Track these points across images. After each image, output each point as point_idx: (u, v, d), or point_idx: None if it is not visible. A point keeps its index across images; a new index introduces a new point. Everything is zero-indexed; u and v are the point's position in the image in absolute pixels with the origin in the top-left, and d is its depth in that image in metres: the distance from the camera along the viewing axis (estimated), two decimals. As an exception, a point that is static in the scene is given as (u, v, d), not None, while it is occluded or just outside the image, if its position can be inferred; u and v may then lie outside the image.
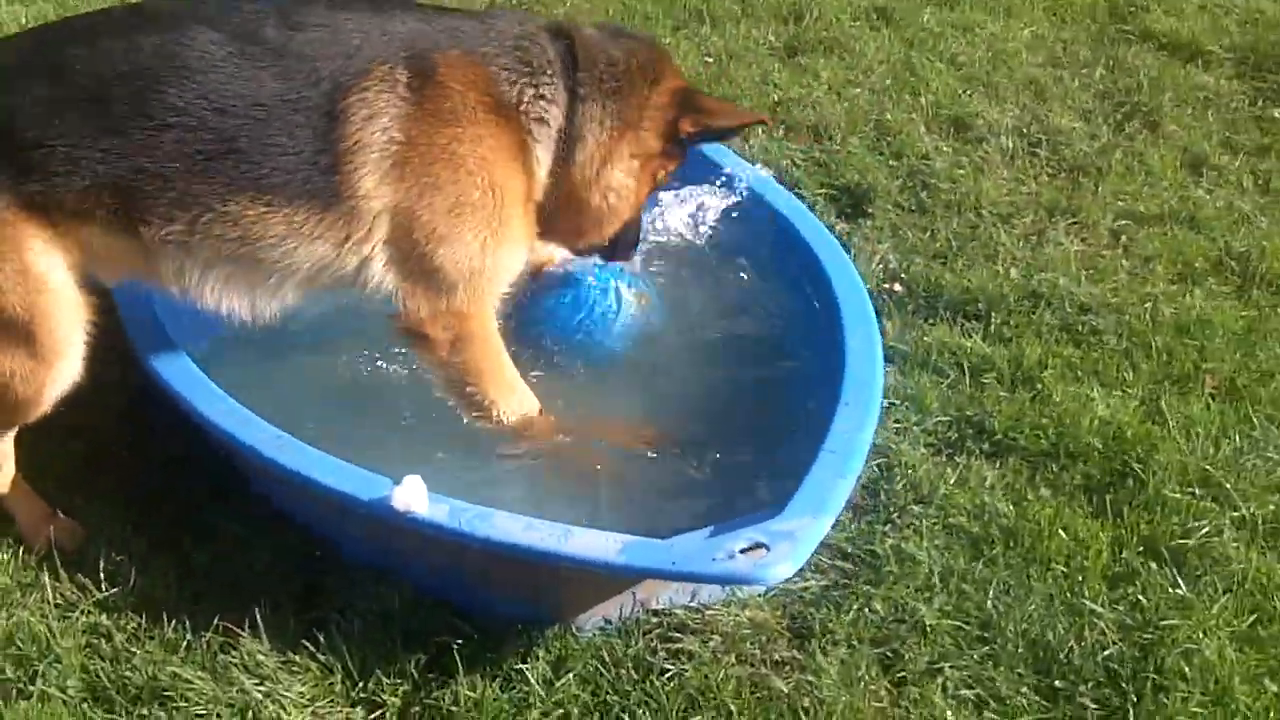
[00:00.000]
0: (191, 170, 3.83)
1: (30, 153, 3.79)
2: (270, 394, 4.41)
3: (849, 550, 4.26)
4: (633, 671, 3.85)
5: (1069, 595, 4.10)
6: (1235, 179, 6.57)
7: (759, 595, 4.08)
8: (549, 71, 4.06)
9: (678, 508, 4.22)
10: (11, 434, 4.26)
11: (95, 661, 3.88)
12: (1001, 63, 7.62)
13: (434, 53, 3.96)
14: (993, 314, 5.37)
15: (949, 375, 5.05)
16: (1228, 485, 4.54)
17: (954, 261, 5.73)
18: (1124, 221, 6.10)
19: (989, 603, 4.05)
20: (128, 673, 3.84)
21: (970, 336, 5.24)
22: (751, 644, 3.95)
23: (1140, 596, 4.09)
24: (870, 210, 6.12)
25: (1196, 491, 4.52)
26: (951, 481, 4.52)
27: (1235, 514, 4.44)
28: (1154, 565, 4.21)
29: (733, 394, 4.74)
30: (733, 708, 3.76)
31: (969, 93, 7.24)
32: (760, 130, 6.71)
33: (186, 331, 4.49)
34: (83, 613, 4.02)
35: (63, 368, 4.04)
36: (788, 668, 3.91)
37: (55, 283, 3.95)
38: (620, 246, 4.55)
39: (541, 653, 3.89)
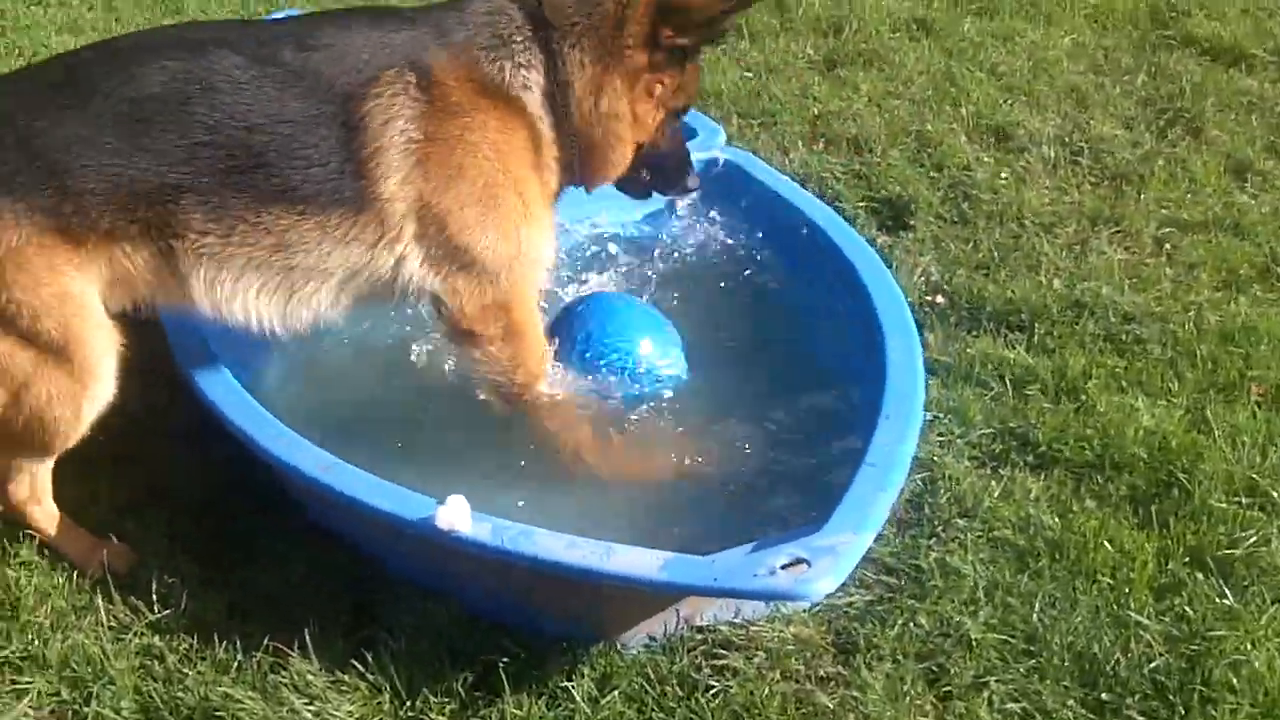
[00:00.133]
0: (225, 184, 4.00)
1: (64, 177, 3.90)
2: (314, 417, 4.50)
3: (893, 564, 4.26)
4: (677, 688, 3.86)
5: (1115, 607, 4.08)
6: (1280, 184, 6.53)
7: (803, 611, 4.08)
8: (519, 39, 4.22)
9: (713, 525, 4.22)
10: (49, 465, 4.30)
11: (148, 683, 3.91)
12: (1043, 71, 7.61)
13: (427, 54, 4.16)
14: (1036, 325, 5.36)
15: (992, 387, 5.04)
16: (1275, 494, 4.51)
17: (996, 272, 5.72)
18: (1168, 229, 6.09)
19: (1034, 616, 4.03)
20: (180, 693, 3.86)
21: (1014, 348, 5.23)
22: (796, 660, 3.94)
23: (1187, 608, 4.06)
24: (912, 222, 6.12)
25: (1243, 501, 4.49)
26: (996, 494, 4.51)
27: (1283, 522, 4.42)
28: (1201, 576, 4.18)
29: (772, 408, 4.74)
30: (778, 724, 3.77)
31: (1010, 102, 7.25)
32: (800, 143, 6.73)
33: (234, 358, 4.57)
34: (136, 635, 4.05)
35: (98, 390, 4.11)
36: (833, 683, 3.90)
37: (90, 305, 4.05)
38: (667, 176, 4.65)
39: (587, 670, 3.90)
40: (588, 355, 4.67)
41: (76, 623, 4.09)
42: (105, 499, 4.55)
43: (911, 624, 4.04)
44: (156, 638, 4.04)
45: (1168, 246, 5.97)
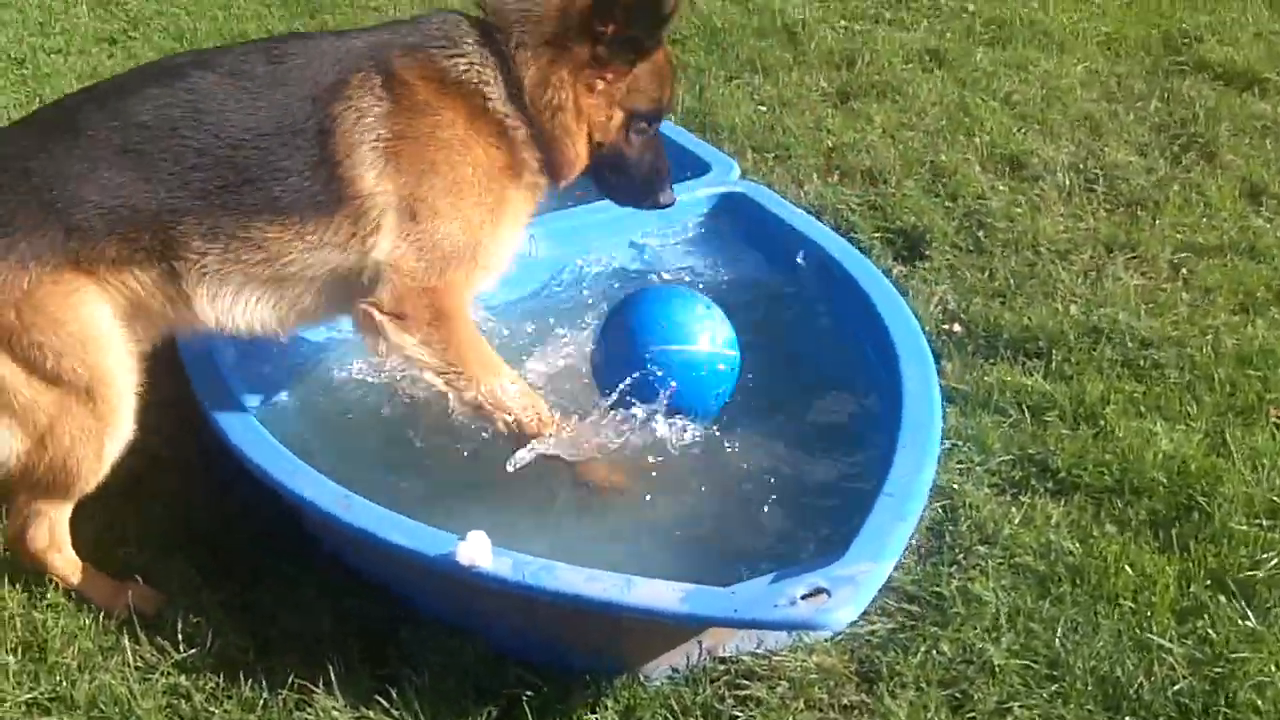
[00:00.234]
0: (217, 204, 4.17)
1: (69, 213, 4.04)
2: (331, 454, 4.55)
3: (915, 592, 4.27)
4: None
5: (1137, 631, 4.08)
6: (1295, 207, 6.54)
7: (826, 640, 4.09)
8: (470, 41, 4.39)
9: (737, 554, 4.24)
10: (68, 511, 4.33)
11: (175, 722, 3.95)
12: (1056, 99, 7.63)
13: (388, 55, 4.33)
14: (1053, 351, 5.37)
15: (1011, 414, 5.05)
16: (1295, 516, 4.52)
17: (1013, 300, 5.74)
18: (1183, 254, 6.09)
19: (1057, 641, 4.03)
20: (207, 732, 3.90)
21: (1031, 375, 5.24)
22: (819, 689, 3.95)
23: (1209, 630, 4.06)
24: (927, 252, 6.13)
25: (1264, 523, 4.49)
26: (1016, 521, 4.52)
27: (1304, 544, 4.42)
28: (1222, 598, 4.18)
29: (790, 439, 4.75)
30: (802, 753, 3.78)
31: (1024, 131, 7.26)
32: (815, 176, 6.76)
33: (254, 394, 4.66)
34: (162, 674, 4.07)
35: (120, 427, 4.20)
36: (856, 712, 3.91)
37: (110, 337, 4.16)
38: (633, 186, 4.66)
39: (610, 703, 3.91)
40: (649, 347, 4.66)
41: (103, 663, 4.11)
42: (131, 539, 4.60)
43: (934, 651, 4.04)
44: (183, 677, 4.07)
45: (1184, 271, 5.98)
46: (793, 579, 3.62)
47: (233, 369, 4.76)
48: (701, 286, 5.51)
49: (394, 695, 3.92)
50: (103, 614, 4.28)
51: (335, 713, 3.89)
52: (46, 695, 4.02)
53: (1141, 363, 5.31)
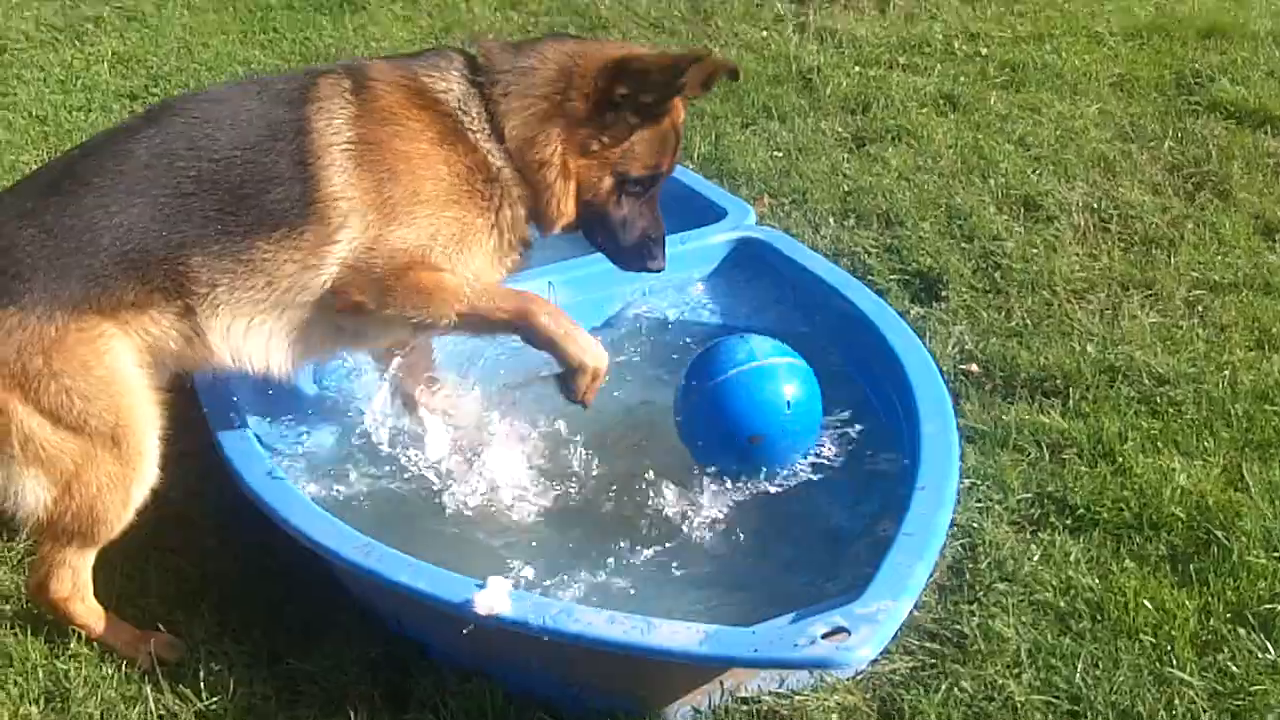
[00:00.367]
0: (219, 231, 4.22)
1: (89, 261, 4.14)
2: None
3: (935, 630, 4.29)
4: (724, 760, 3.90)
5: (1157, 665, 4.10)
6: (1309, 243, 6.57)
7: (847, 679, 4.11)
8: (456, 70, 4.46)
9: (757, 596, 4.28)
10: (91, 559, 4.37)
11: (197, 771, 3.98)
12: (1070, 140, 7.67)
13: (365, 64, 4.47)
14: (1071, 390, 5.40)
15: (1029, 452, 5.07)
16: (1314, 549, 4.53)
17: (1030, 339, 5.77)
18: (1199, 291, 6.12)
19: (1077, 676, 4.06)
20: (229, 781, 3.93)
21: (1049, 413, 5.27)
22: (842, 728, 3.99)
23: (1229, 663, 4.08)
24: (944, 293, 6.16)
25: (1282, 556, 4.51)
26: (1036, 558, 4.54)
27: (1323, 578, 4.42)
28: (1242, 631, 4.20)
29: (807, 479, 4.75)
30: (825, 793, 3.79)
31: (1038, 172, 7.30)
32: (831, 220, 6.81)
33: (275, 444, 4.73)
34: (185, 723, 4.12)
35: (146, 471, 4.26)
36: (879, 750, 3.94)
37: (134, 384, 4.23)
38: (620, 249, 4.64)
39: (633, 744, 3.94)
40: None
41: (126, 713, 4.15)
42: (153, 590, 4.63)
43: (955, 688, 4.07)
44: (205, 726, 4.10)
45: (1199, 308, 6.00)
46: (813, 618, 3.64)
47: (252, 413, 4.83)
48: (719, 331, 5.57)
49: (416, 741, 3.95)
50: (125, 663, 4.31)
51: (358, 759, 3.93)
52: (69, 746, 4.05)
53: (1158, 399, 5.33)
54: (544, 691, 4.06)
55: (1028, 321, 5.91)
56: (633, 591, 4.37)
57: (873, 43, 9.33)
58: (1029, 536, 4.69)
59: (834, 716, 4.00)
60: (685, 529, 4.62)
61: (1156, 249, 6.49)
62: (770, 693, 4.06)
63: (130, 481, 4.22)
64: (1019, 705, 3.99)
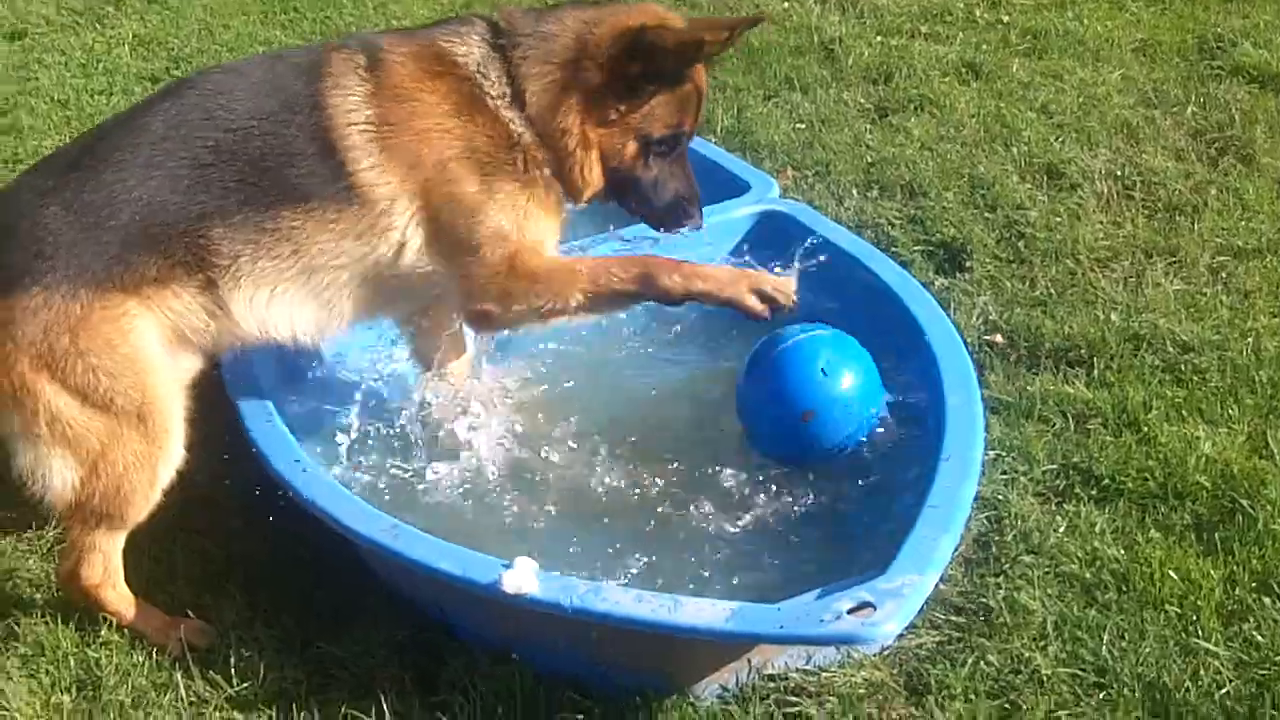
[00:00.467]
0: (241, 201, 4.23)
1: (111, 237, 4.16)
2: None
3: (962, 604, 4.31)
4: (751, 737, 3.92)
5: (1183, 636, 4.11)
6: (1334, 206, 6.53)
7: (874, 654, 4.13)
8: (476, 35, 4.43)
9: (783, 573, 4.30)
10: (121, 543, 4.39)
11: (228, 757, 4.01)
12: (1093, 107, 7.63)
13: (379, 39, 4.44)
14: (1095, 359, 5.40)
15: (1054, 423, 5.08)
16: (1340, 517, 4.52)
17: (1054, 309, 5.76)
18: (1223, 257, 6.10)
19: (1104, 648, 4.07)
20: (260, 766, 3.96)
21: (1073, 383, 5.27)
22: (869, 703, 3.99)
23: (1255, 633, 4.09)
24: (968, 263, 6.16)
25: (1309, 524, 4.50)
26: (1061, 529, 4.55)
27: (1349, 545, 4.41)
28: (1267, 601, 4.21)
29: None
30: (852, 768, 3.81)
31: (1061, 140, 7.27)
32: (854, 191, 6.80)
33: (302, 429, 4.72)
34: (216, 709, 4.14)
35: (172, 449, 4.29)
36: (906, 725, 3.95)
37: (159, 362, 4.26)
38: (653, 210, 4.62)
39: (661, 722, 3.96)
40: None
41: (157, 699, 4.18)
42: (181, 576, 4.66)
43: (982, 662, 4.08)
44: (236, 712, 4.13)
45: (1223, 275, 5.98)
46: (838, 594, 3.65)
47: (276, 394, 4.83)
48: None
49: (445, 722, 3.98)
50: (156, 650, 4.34)
51: (388, 742, 3.96)
52: (100, 733, 4.09)
53: (1183, 368, 5.32)
54: (572, 670, 4.07)
55: (1052, 291, 5.91)
56: (652, 570, 4.40)
57: (894, 12, 9.30)
58: (1054, 508, 4.69)
59: (861, 692, 4.02)
60: (704, 509, 4.64)
61: (1180, 215, 6.47)
62: (797, 669, 4.08)
63: (157, 460, 4.25)
64: (1045, 678, 4.00)
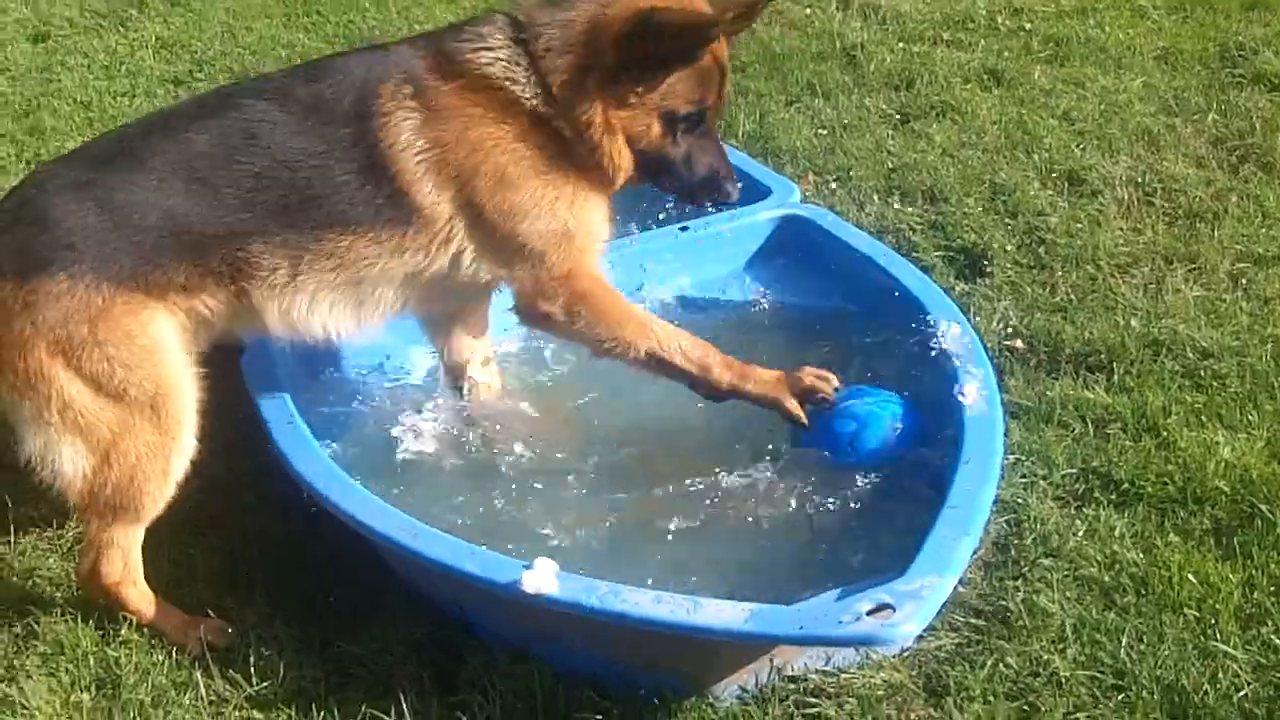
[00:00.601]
0: (285, 223, 4.27)
1: (141, 239, 4.20)
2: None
3: (981, 606, 4.31)
4: (770, 738, 3.93)
5: (1202, 639, 4.11)
6: (1353, 214, 6.52)
7: (893, 656, 4.14)
8: (500, 36, 4.43)
9: (802, 573, 4.29)
10: (139, 539, 4.41)
11: (248, 757, 4.03)
12: (1114, 115, 7.63)
13: (416, 63, 4.41)
14: (1115, 364, 5.40)
15: (1074, 428, 5.08)
16: (1358, 522, 4.51)
17: (1074, 314, 5.77)
18: (1243, 264, 6.10)
19: (1122, 651, 4.07)
20: (280, 765, 3.97)
21: (1093, 388, 5.27)
22: (888, 705, 4.00)
23: (1273, 636, 4.09)
24: (989, 269, 6.16)
25: (1326, 529, 4.50)
26: (1080, 533, 4.55)
27: (1368, 550, 4.41)
28: (1286, 604, 4.22)
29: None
30: (871, 770, 3.82)
31: (1082, 147, 7.26)
32: (876, 197, 6.81)
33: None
34: (235, 708, 4.16)
35: (184, 440, 4.31)
36: (925, 726, 3.96)
37: (175, 355, 4.28)
38: (686, 186, 4.64)
39: (681, 723, 3.97)
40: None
41: (177, 699, 4.19)
42: (200, 576, 4.68)
43: (1001, 664, 4.09)
44: (256, 711, 4.15)
45: (1243, 281, 5.98)
46: (857, 595, 3.66)
47: (296, 392, 4.83)
48: (765, 309, 5.60)
49: (465, 721, 3.99)
50: (175, 649, 4.36)
51: (407, 741, 3.97)
52: (120, 732, 4.10)
53: (1202, 373, 5.32)
54: (591, 670, 4.09)
55: (1072, 296, 5.91)
56: (672, 569, 4.40)
57: (916, 19, 9.28)
58: (1073, 512, 4.70)
59: (880, 693, 4.03)
60: (721, 509, 4.64)
61: (1200, 222, 6.47)
62: (816, 671, 4.09)
63: (169, 451, 4.27)
64: (1064, 680, 4.01)
